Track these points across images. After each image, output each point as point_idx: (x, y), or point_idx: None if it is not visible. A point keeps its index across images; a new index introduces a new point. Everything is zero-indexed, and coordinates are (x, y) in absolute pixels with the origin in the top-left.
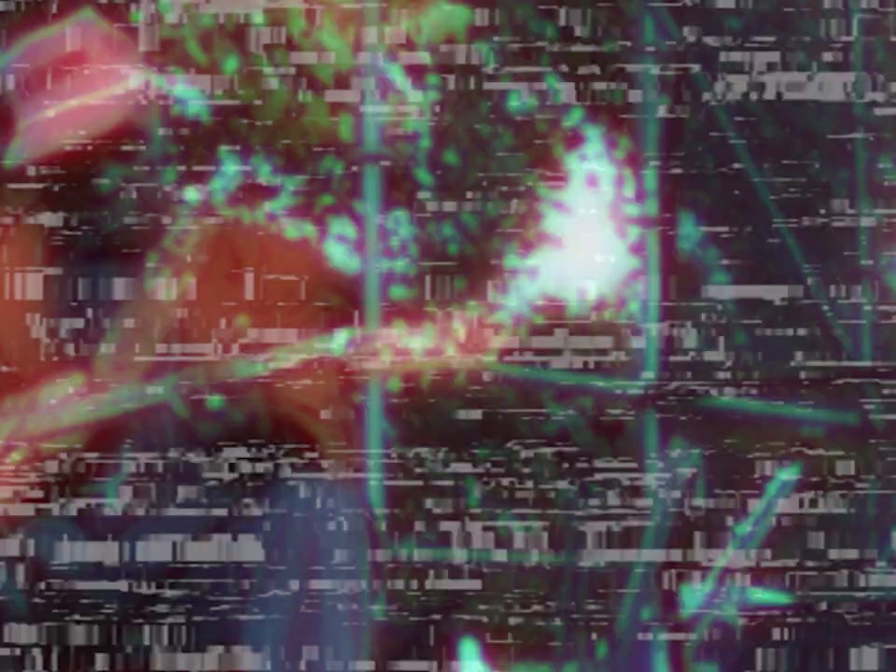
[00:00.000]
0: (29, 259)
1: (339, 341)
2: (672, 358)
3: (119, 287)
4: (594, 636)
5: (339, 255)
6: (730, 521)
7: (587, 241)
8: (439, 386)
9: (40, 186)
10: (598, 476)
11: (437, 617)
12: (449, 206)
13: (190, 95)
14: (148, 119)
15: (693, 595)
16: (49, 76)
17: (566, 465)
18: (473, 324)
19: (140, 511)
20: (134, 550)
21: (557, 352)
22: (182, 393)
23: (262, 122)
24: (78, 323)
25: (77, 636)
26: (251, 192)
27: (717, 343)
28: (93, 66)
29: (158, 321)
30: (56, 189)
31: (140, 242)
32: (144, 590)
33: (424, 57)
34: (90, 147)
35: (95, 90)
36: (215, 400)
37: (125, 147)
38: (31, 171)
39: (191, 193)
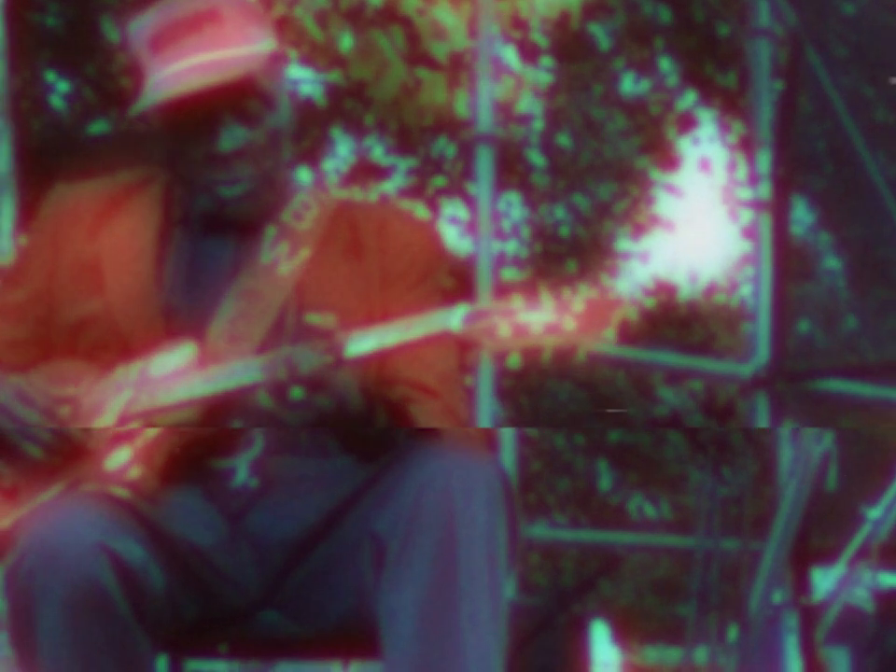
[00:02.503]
0: (146, 226)
1: (457, 316)
2: (783, 342)
3: (236, 258)
4: (725, 619)
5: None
6: (862, 504)
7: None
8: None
9: (163, 142)
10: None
11: (568, 599)
12: (561, 189)
13: (304, 74)
14: (275, 85)
15: (825, 578)
16: (182, 31)
17: (697, 447)
18: (592, 300)
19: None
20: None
21: (668, 334)
22: (268, 381)
23: (376, 102)
24: (194, 294)
25: None
26: (365, 173)
27: (828, 327)
28: (226, 25)
29: (271, 295)
30: (178, 145)
31: (258, 212)
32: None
33: (538, 38)
34: (215, 104)
35: (225, 47)
36: (296, 392)
37: (250, 109)
38: (156, 125)
39: (305, 172)
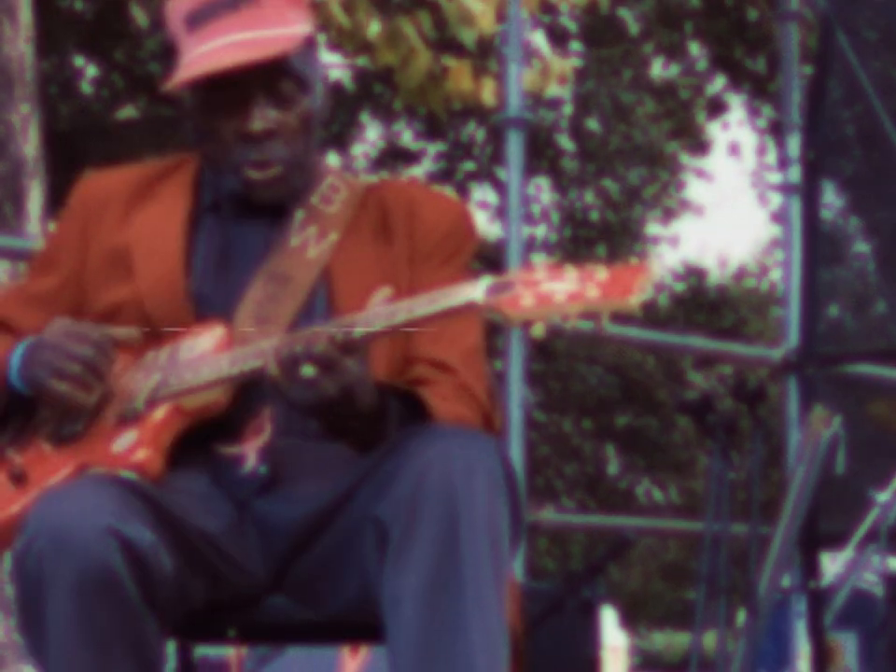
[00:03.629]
0: (175, 211)
1: (480, 287)
2: (813, 326)
3: (265, 242)
4: (733, 603)
5: (480, 221)
6: (871, 488)
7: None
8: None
9: (194, 120)
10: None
11: (577, 583)
12: (591, 173)
13: (332, 59)
14: (309, 68)
15: (834, 562)
16: (219, 9)
17: (707, 432)
18: (615, 268)
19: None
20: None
21: (698, 319)
22: (279, 360)
23: (404, 87)
24: (223, 278)
25: None
26: (393, 157)
27: (858, 311)
28: (263, 6)
29: (300, 278)
30: (209, 123)
31: (287, 196)
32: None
33: (567, 22)
34: (248, 83)
35: (262, 28)
36: (307, 369)
37: (284, 90)
38: (188, 103)
39: (334, 156)
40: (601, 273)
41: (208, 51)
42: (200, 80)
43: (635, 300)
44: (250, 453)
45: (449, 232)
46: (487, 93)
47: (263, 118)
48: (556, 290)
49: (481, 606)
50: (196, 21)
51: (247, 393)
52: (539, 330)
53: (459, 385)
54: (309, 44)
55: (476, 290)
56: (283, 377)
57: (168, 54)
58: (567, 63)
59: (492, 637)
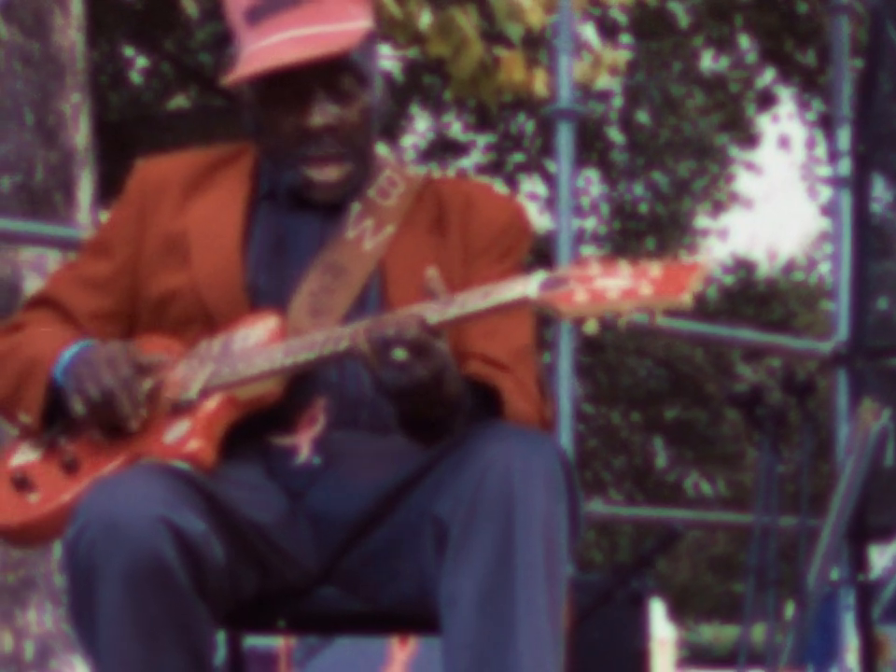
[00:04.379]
0: (232, 200)
1: (534, 282)
2: (862, 319)
3: (321, 233)
4: (781, 596)
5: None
6: None
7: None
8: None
9: (253, 114)
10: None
11: (625, 576)
12: (640, 165)
13: (383, 51)
14: (369, 64)
15: (882, 555)
16: (280, 4)
17: (756, 425)
18: (669, 265)
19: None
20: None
21: (747, 312)
22: (370, 341)
23: (457, 78)
24: (278, 268)
25: None
26: (443, 149)
27: None
28: (325, 1)
29: (355, 270)
30: (269, 117)
31: (346, 193)
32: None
33: (617, 15)
34: (309, 78)
35: (324, 23)
36: (399, 352)
37: (344, 86)
38: (247, 97)
39: (384, 147)
40: (655, 270)
41: (269, 46)
42: (259, 75)
43: (688, 297)
44: (304, 444)
45: (504, 229)
46: (539, 84)
47: (323, 113)
48: (610, 287)
49: (531, 612)
50: (257, 15)
51: (300, 384)
52: (591, 327)
53: (515, 384)
54: (369, 39)
55: (529, 285)
56: (375, 360)
57: (219, 45)
58: (618, 55)
59: (541, 645)
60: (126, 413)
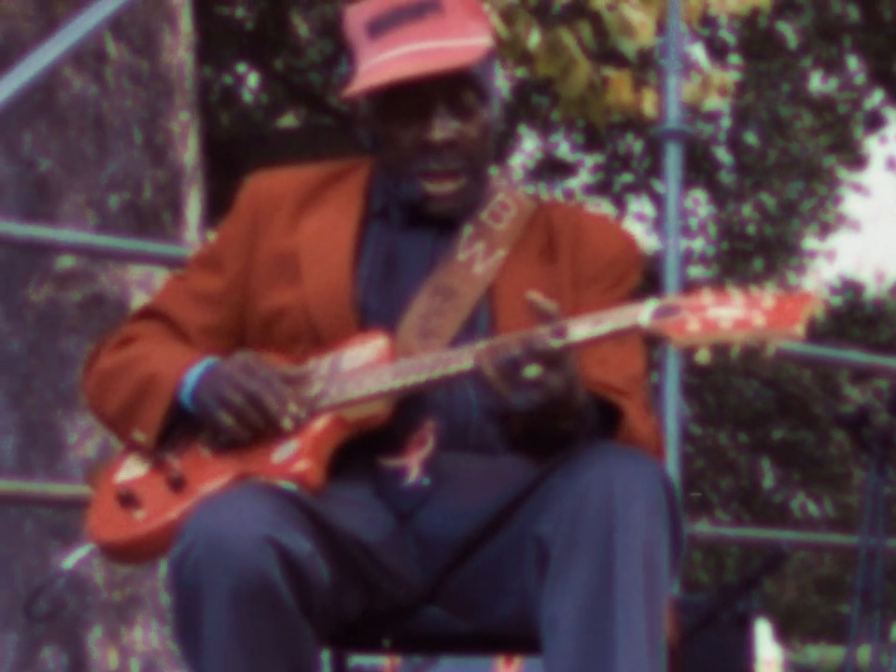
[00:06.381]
0: (344, 217)
1: (646, 310)
2: None
3: (432, 254)
4: (888, 618)
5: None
6: None
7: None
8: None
9: (371, 128)
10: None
11: (731, 596)
12: (748, 186)
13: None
14: (489, 80)
15: None
16: (403, 17)
17: (862, 446)
18: (781, 296)
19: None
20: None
21: (855, 333)
22: (495, 364)
23: (563, 99)
24: (388, 287)
25: None
26: (551, 169)
27: None
28: (448, 16)
29: (465, 293)
30: (389, 131)
31: (462, 210)
32: None
33: (727, 35)
34: (430, 93)
35: (446, 38)
36: (532, 369)
37: (465, 101)
38: (365, 110)
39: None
40: (767, 301)
41: (391, 59)
42: (380, 87)
43: (800, 329)
44: (413, 465)
45: (615, 259)
46: (648, 105)
47: (444, 128)
48: (723, 316)
49: (630, 634)
50: (378, 28)
51: (409, 405)
52: (703, 356)
53: (637, 407)
54: (489, 56)
55: (642, 313)
56: (502, 383)
57: (329, 64)
58: (727, 76)
59: (640, 668)
60: (275, 411)
